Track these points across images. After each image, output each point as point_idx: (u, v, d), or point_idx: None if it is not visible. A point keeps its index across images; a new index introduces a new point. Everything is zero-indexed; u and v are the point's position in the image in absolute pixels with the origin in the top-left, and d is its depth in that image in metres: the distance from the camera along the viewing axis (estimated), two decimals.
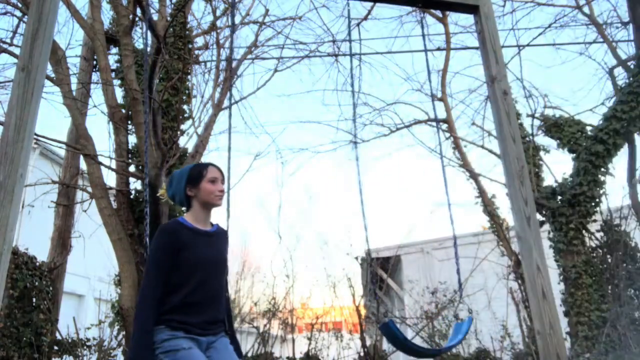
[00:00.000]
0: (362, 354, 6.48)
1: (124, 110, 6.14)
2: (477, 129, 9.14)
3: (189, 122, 6.68)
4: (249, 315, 7.77)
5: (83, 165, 6.74)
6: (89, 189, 5.98)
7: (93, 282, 10.36)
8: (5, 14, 6.92)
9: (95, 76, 7.14)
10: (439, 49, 9.11)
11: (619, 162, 7.35)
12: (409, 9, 8.30)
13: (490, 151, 8.62)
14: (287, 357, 6.56)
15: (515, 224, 2.80)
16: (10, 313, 5.59)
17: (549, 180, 7.73)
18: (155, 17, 6.36)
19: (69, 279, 7.12)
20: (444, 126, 8.88)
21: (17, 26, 6.94)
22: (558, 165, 8.86)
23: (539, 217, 7.29)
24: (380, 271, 9.63)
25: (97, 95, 16.24)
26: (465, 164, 8.61)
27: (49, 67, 5.91)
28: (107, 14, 6.98)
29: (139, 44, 6.59)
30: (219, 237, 2.49)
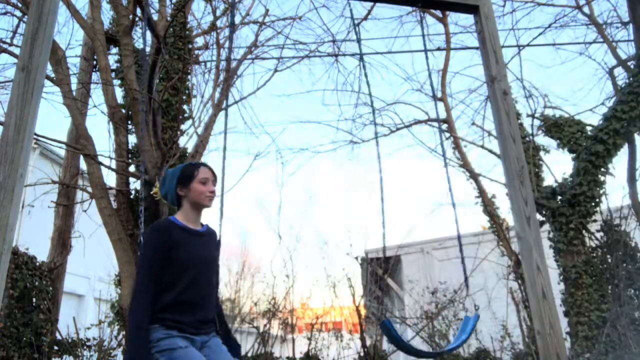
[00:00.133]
0: (362, 354, 6.48)
1: (124, 110, 6.14)
2: (477, 129, 9.16)
3: (189, 122, 6.68)
4: (249, 315, 7.76)
5: (83, 165, 6.74)
6: (89, 189, 5.98)
7: (93, 282, 10.36)
8: (5, 14, 6.92)
9: (95, 76, 7.15)
10: (439, 49, 9.12)
11: (619, 162, 7.36)
12: (409, 9, 8.31)
13: (490, 151, 8.63)
14: (287, 357, 6.56)
15: (515, 224, 2.80)
16: (10, 313, 5.59)
17: (549, 180, 7.74)
18: (155, 17, 6.36)
19: (69, 279, 7.12)
20: (444, 126, 8.89)
21: (17, 26, 6.95)
22: (558, 165, 8.85)
23: (539, 217, 7.29)
24: (380, 271, 9.63)
25: (97, 95, 16.28)
26: (465, 164, 8.61)
27: (49, 67, 5.91)
28: (107, 14, 6.98)
29: (139, 44, 6.59)
30: (209, 237, 2.51)
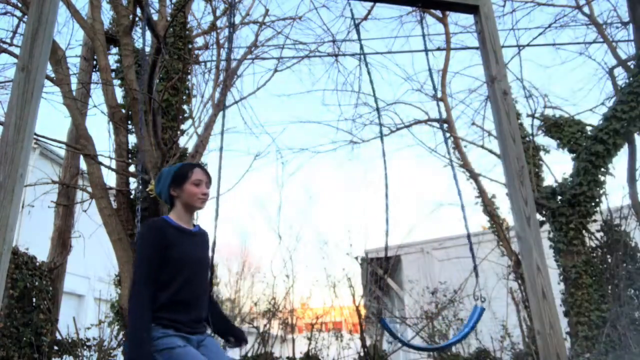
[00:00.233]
0: (362, 354, 6.48)
1: (124, 110, 6.14)
2: (477, 129, 9.16)
3: (189, 122, 6.68)
4: (249, 315, 7.76)
5: (83, 165, 6.74)
6: (89, 189, 5.98)
7: (93, 282, 10.36)
8: (5, 14, 6.92)
9: (95, 76, 7.14)
10: (439, 49, 9.12)
11: (619, 162, 7.35)
12: (409, 9, 8.31)
13: (490, 151, 8.63)
14: (287, 357, 6.56)
15: (515, 224, 2.80)
16: (10, 313, 5.59)
17: (549, 180, 7.74)
18: (155, 17, 6.36)
19: (69, 279, 7.12)
20: (444, 126, 8.88)
21: (17, 26, 6.95)
22: (558, 165, 8.85)
23: (539, 217, 7.29)
24: (380, 271, 9.63)
25: (97, 95, 16.28)
26: (465, 164, 8.61)
27: (49, 67, 5.91)
28: (107, 14, 6.98)
29: (139, 44, 6.59)
30: (202, 237, 2.52)
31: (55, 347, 5.92)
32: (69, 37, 13.15)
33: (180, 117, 6.53)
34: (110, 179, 5.94)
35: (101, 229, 5.68)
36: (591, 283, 6.70)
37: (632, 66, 7.27)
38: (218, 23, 7.45)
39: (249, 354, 6.50)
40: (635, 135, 7.16)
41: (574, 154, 7.44)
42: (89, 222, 6.28)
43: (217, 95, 6.74)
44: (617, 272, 6.59)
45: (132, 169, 6.16)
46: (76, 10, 6.21)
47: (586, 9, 8.35)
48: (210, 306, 2.51)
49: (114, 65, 6.56)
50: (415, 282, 8.26)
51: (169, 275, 2.26)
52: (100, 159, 5.77)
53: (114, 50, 6.87)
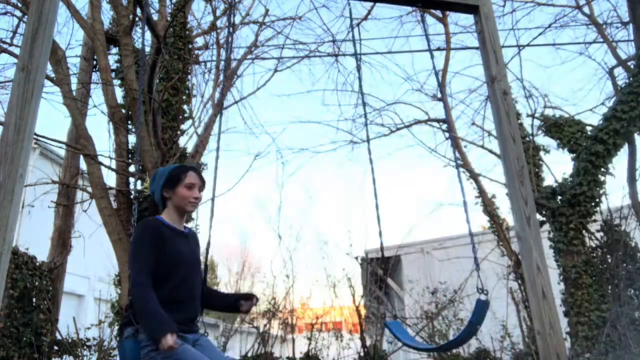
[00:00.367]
0: (362, 354, 6.48)
1: (124, 110, 6.14)
2: (477, 129, 9.16)
3: (189, 122, 6.68)
4: (249, 315, 7.76)
5: (83, 165, 6.74)
6: (89, 189, 5.98)
7: (93, 282, 10.37)
8: (5, 14, 6.92)
9: (95, 76, 7.14)
10: (439, 49, 9.11)
11: (619, 162, 7.35)
12: (409, 9, 8.31)
13: (490, 151, 8.63)
14: (287, 357, 6.56)
15: (515, 224, 2.80)
16: (10, 313, 5.59)
17: (549, 180, 7.74)
18: (155, 17, 6.36)
19: (69, 279, 7.12)
20: (444, 126, 8.89)
21: (17, 26, 6.95)
22: (558, 165, 8.86)
23: (539, 217, 7.29)
24: (380, 271, 9.63)
25: (97, 95, 16.26)
26: (465, 164, 8.61)
27: (49, 67, 5.91)
28: (107, 14, 6.98)
29: (139, 44, 6.59)
30: (193, 239, 2.57)
31: (55, 347, 5.92)
32: (69, 37, 13.17)
33: (180, 117, 6.53)
34: (110, 179, 5.94)
35: (101, 229, 5.68)
36: (591, 283, 6.70)
37: (632, 66, 7.27)
38: (218, 23, 7.46)
39: (249, 354, 6.50)
40: (635, 135, 7.16)
41: (574, 154, 7.44)
42: (89, 222, 6.28)
43: (217, 95, 6.75)
44: (617, 272, 6.59)
45: (132, 169, 6.16)
46: (76, 10, 6.21)
47: (586, 9, 8.36)
48: (208, 295, 2.56)
49: (114, 65, 6.56)
50: (415, 282, 8.25)
51: (165, 273, 2.28)
52: (100, 159, 5.77)
53: (114, 50, 6.87)
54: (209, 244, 2.67)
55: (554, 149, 7.89)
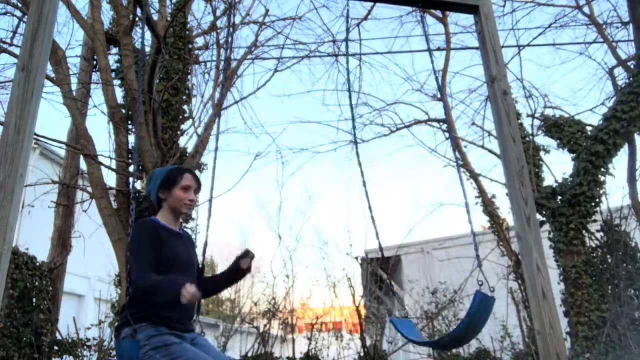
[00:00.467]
0: (362, 354, 6.48)
1: (124, 110, 6.14)
2: (477, 129, 9.16)
3: (189, 122, 6.69)
4: (249, 315, 7.76)
5: (83, 165, 6.74)
6: (89, 189, 5.98)
7: (93, 282, 10.37)
8: (5, 14, 6.93)
9: (95, 76, 7.14)
10: (439, 49, 9.12)
11: (619, 162, 7.35)
12: (409, 9, 8.31)
13: (490, 151, 8.63)
14: (287, 357, 6.56)
15: (515, 224, 2.80)
16: (10, 313, 5.59)
17: (549, 180, 7.74)
18: (155, 17, 6.36)
19: (69, 279, 7.12)
20: (444, 126, 8.89)
21: (17, 26, 6.95)
22: (558, 165, 8.86)
23: (539, 217, 7.29)
24: (380, 271, 9.62)
25: (97, 95, 16.26)
26: (465, 164, 8.61)
27: (49, 67, 5.91)
28: (107, 14, 6.98)
29: (139, 44, 6.59)
30: (189, 240, 2.59)
31: (55, 347, 5.92)
32: (69, 37, 13.19)
33: (180, 117, 6.53)
34: (110, 179, 5.95)
35: (101, 229, 5.68)
36: (591, 283, 6.70)
37: (632, 66, 7.27)
38: (218, 23, 7.46)
39: (249, 354, 6.50)
40: (635, 135, 7.16)
41: (574, 154, 7.44)
42: (89, 222, 6.28)
43: (217, 95, 6.75)
44: (617, 272, 6.59)
45: (132, 169, 6.16)
46: (76, 10, 6.21)
47: (586, 9, 8.36)
48: (209, 282, 2.59)
49: (114, 65, 6.56)
50: (415, 282, 8.25)
51: (161, 274, 2.28)
52: (100, 159, 5.78)
53: (114, 50, 6.87)
54: (205, 244, 2.70)
55: (554, 149, 7.90)
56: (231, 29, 3.98)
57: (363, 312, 7.48)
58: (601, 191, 7.05)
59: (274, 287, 7.18)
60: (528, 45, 8.36)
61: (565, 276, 6.92)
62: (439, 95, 8.97)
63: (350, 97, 3.41)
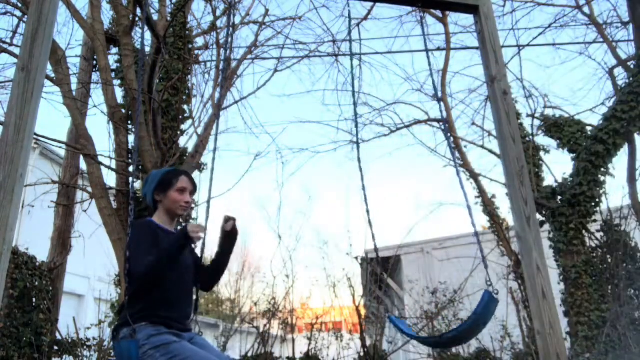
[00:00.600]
0: (362, 354, 6.48)
1: (124, 110, 6.14)
2: (477, 129, 9.16)
3: (189, 122, 6.69)
4: (249, 315, 7.76)
5: (83, 165, 6.74)
6: (89, 189, 5.98)
7: (93, 282, 10.37)
8: (5, 14, 6.93)
9: (95, 76, 7.14)
10: (439, 49, 9.12)
11: (619, 162, 7.35)
12: (409, 9, 8.30)
13: (490, 151, 8.63)
14: (287, 357, 6.56)
15: (515, 224, 2.80)
16: (10, 313, 5.59)
17: (549, 180, 7.74)
18: (155, 17, 6.36)
19: (69, 279, 7.12)
20: (444, 126, 8.88)
21: (17, 26, 6.95)
22: (558, 165, 8.85)
23: (539, 217, 7.29)
24: (380, 271, 9.62)
25: (97, 95, 16.27)
26: (465, 164, 8.61)
27: (49, 67, 5.91)
28: (107, 14, 6.98)
29: (139, 44, 6.58)
30: None
31: (55, 347, 5.92)
32: (69, 37, 13.18)
33: (180, 117, 6.53)
34: (110, 179, 5.95)
35: (101, 229, 5.68)
36: (591, 283, 6.69)
37: (632, 66, 7.27)
38: (218, 23, 7.46)
39: (249, 354, 6.50)
40: (635, 135, 7.16)
41: (574, 154, 7.44)
42: (89, 222, 6.28)
43: (217, 95, 6.75)
44: (617, 272, 6.59)
45: (132, 169, 6.16)
46: (76, 10, 6.21)
47: (586, 9, 8.36)
48: (207, 268, 2.62)
49: (114, 65, 6.57)
50: (415, 282, 8.25)
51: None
52: (100, 159, 5.78)
53: (114, 50, 6.87)
54: (204, 244, 2.71)
55: (554, 149, 7.90)
56: (231, 29, 3.97)
57: (363, 312, 7.47)
58: (601, 191, 7.05)
59: (274, 287, 7.19)
60: (528, 45, 8.37)
61: (565, 276, 6.92)
62: (439, 95, 8.96)
63: (354, 96, 3.40)
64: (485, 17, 3.10)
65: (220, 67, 6.82)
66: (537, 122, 8.11)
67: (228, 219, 2.56)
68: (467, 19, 9.22)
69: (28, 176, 3.47)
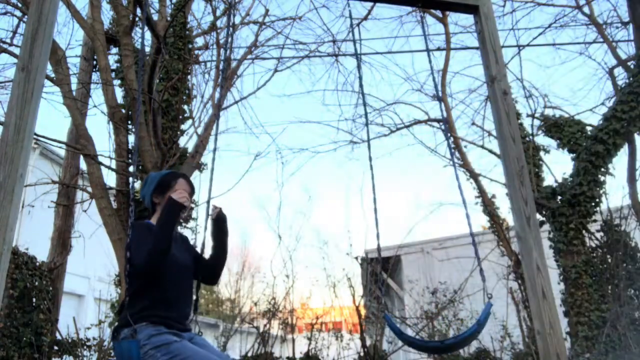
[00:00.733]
0: (362, 354, 6.48)
1: (124, 110, 6.14)
2: (477, 129, 9.16)
3: (189, 122, 6.69)
4: (249, 315, 7.76)
5: (83, 165, 6.74)
6: (89, 189, 5.98)
7: (93, 282, 10.37)
8: (5, 14, 6.92)
9: (95, 76, 7.14)
10: (439, 49, 9.12)
11: (619, 162, 7.35)
12: (409, 9, 8.31)
13: (490, 151, 8.63)
14: (287, 357, 6.56)
15: (515, 224, 2.80)
16: (10, 313, 5.59)
17: (549, 180, 7.74)
18: (155, 17, 6.36)
19: (69, 279, 7.11)
20: (444, 126, 8.88)
21: (17, 26, 6.95)
22: (558, 165, 8.85)
23: (539, 217, 7.29)
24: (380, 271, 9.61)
25: (97, 95, 16.28)
26: (465, 164, 8.61)
27: (49, 67, 5.91)
28: (107, 14, 6.98)
29: (139, 44, 6.58)
30: (185, 243, 2.63)
31: (55, 347, 5.92)
32: (69, 37, 13.17)
33: (180, 117, 6.53)
34: (110, 179, 5.95)
35: (101, 229, 5.68)
36: (591, 283, 6.69)
37: (632, 66, 7.27)
38: (218, 23, 7.46)
39: (249, 354, 6.50)
40: (635, 135, 7.16)
41: (574, 154, 7.44)
42: (89, 222, 6.29)
43: (217, 95, 6.75)
44: (617, 272, 6.59)
45: (132, 169, 6.16)
46: (76, 10, 6.21)
47: (586, 9, 8.36)
48: (208, 259, 2.65)
49: (114, 65, 6.57)
50: (415, 282, 8.25)
51: (157, 275, 2.31)
52: (100, 159, 5.78)
53: (114, 50, 6.87)
54: (204, 244, 2.72)
55: (554, 149, 7.90)
56: (231, 29, 3.98)
57: (363, 312, 7.47)
58: (601, 191, 7.05)
59: (274, 287, 7.19)
60: (528, 45, 8.37)
61: (565, 276, 6.92)
62: (439, 95, 8.96)
63: (363, 95, 3.41)
64: (485, 17, 3.10)
65: (220, 67, 6.81)
66: (537, 122, 8.11)
67: (214, 209, 2.64)
68: (467, 19, 9.23)
69: (28, 176, 3.47)
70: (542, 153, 7.97)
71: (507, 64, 7.69)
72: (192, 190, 2.58)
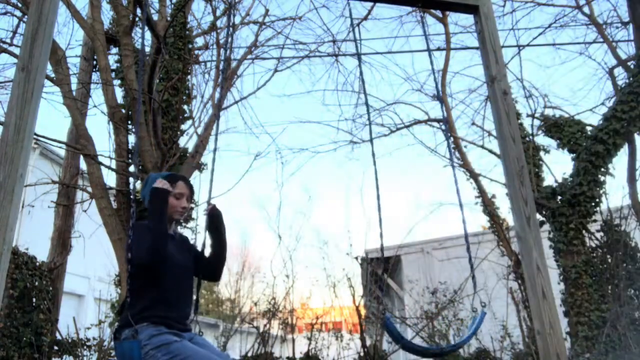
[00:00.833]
0: (362, 354, 6.48)
1: (124, 110, 6.14)
2: (477, 129, 9.16)
3: (189, 122, 6.69)
4: (249, 315, 7.75)
5: (83, 165, 6.74)
6: (89, 189, 5.98)
7: (93, 282, 10.37)
8: (5, 14, 6.93)
9: (95, 76, 7.14)
10: (439, 49, 9.12)
11: (619, 162, 7.35)
12: (409, 9, 8.31)
13: (490, 151, 8.63)
14: (287, 357, 6.56)
15: (515, 224, 2.80)
16: (10, 313, 5.59)
17: (549, 180, 7.74)
18: (155, 17, 6.36)
19: (69, 279, 7.12)
20: (444, 126, 8.88)
21: (17, 26, 6.95)
22: (558, 165, 8.85)
23: (539, 217, 7.29)
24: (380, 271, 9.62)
25: (97, 95, 16.27)
26: (465, 164, 8.61)
27: (49, 67, 5.91)
28: (107, 14, 6.98)
29: (139, 44, 6.58)
30: (185, 243, 2.64)
31: (55, 347, 5.92)
32: (69, 37, 13.18)
33: (180, 117, 6.53)
34: (110, 179, 5.95)
35: (101, 229, 5.68)
36: (591, 283, 6.69)
37: (632, 66, 7.27)
38: (218, 23, 7.46)
39: (249, 354, 6.50)
40: (635, 135, 7.16)
41: (574, 154, 7.44)
42: (89, 222, 6.29)
43: (217, 95, 6.75)
44: (617, 272, 6.59)
45: (132, 169, 6.16)
46: (76, 10, 6.21)
47: (586, 9, 8.36)
48: (208, 258, 2.66)
49: (114, 65, 6.57)
50: (415, 282, 8.25)
51: (157, 275, 2.32)
52: (100, 159, 5.78)
53: (114, 50, 6.87)
54: (204, 244, 2.72)
55: (554, 149, 7.90)
56: (231, 29, 3.98)
57: (363, 312, 7.47)
58: (601, 191, 7.05)
59: (274, 287, 7.18)
60: (528, 45, 8.37)
61: (565, 276, 6.92)
62: (439, 95, 8.96)
63: (365, 94, 3.41)
64: (485, 17, 3.10)
65: (220, 67, 6.81)
66: (537, 122, 8.11)
67: (208, 206, 2.67)
68: (467, 19, 9.23)
69: (28, 176, 3.47)
70: (542, 153, 7.97)
71: (507, 64, 7.69)
72: (191, 193, 2.59)
